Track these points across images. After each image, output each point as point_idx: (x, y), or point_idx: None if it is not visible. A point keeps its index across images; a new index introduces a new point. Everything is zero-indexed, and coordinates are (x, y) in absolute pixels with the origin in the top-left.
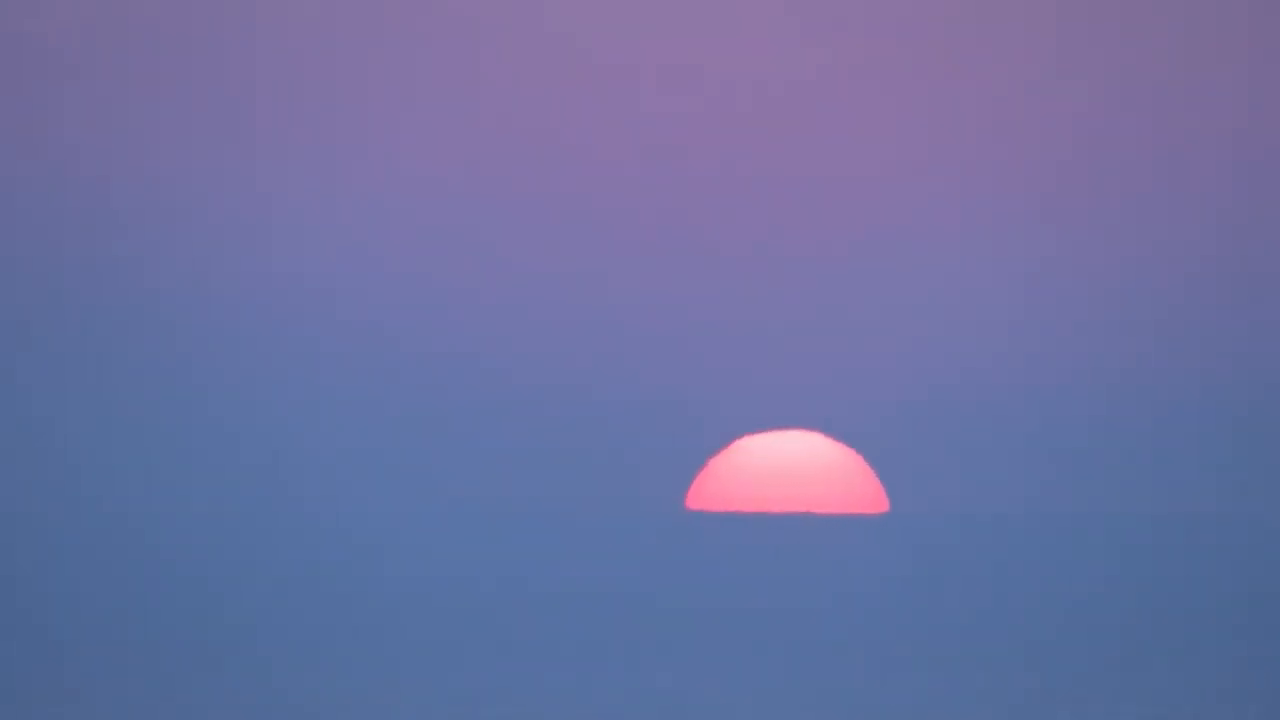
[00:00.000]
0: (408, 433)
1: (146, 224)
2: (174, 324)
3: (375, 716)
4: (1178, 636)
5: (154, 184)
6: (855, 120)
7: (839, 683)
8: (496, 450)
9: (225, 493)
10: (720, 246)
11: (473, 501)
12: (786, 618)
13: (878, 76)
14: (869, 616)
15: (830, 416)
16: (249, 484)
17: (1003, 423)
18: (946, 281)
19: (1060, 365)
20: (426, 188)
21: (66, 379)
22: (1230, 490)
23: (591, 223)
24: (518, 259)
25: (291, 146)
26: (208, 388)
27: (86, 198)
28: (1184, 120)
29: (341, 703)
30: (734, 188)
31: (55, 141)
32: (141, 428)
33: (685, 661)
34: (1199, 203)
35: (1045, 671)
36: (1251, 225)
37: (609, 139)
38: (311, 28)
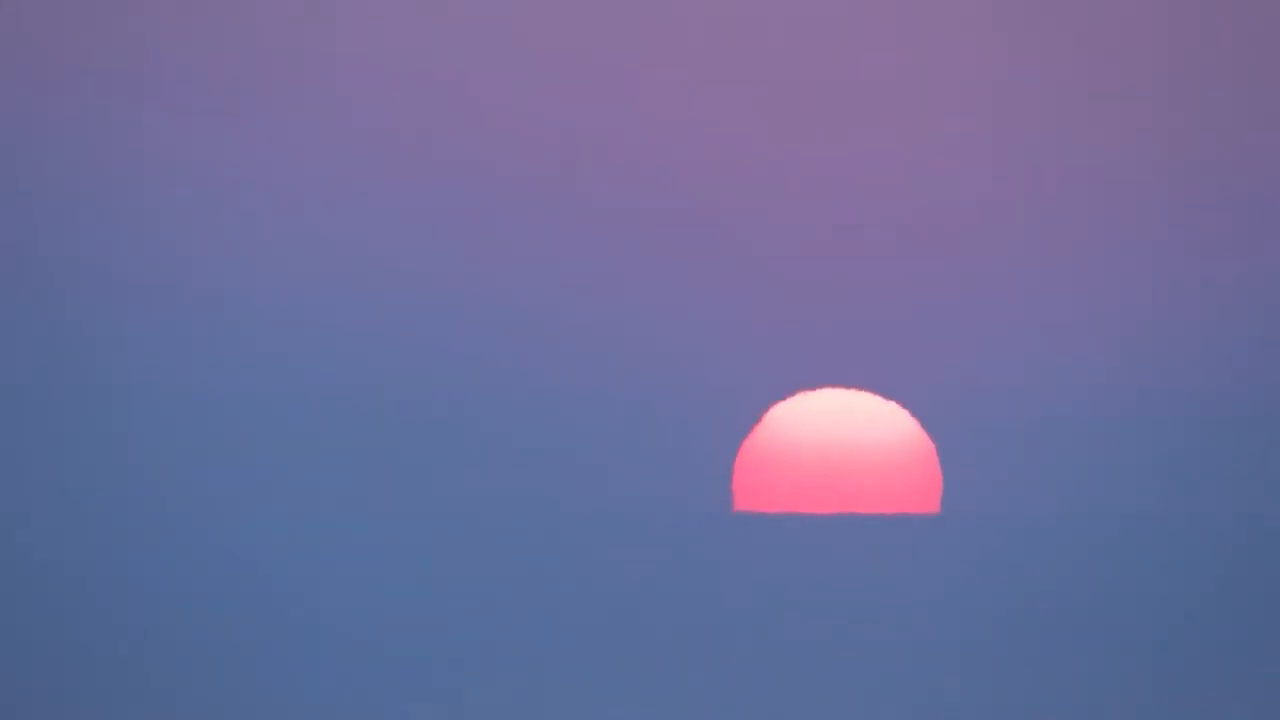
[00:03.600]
0: (416, 440)
1: (136, 221)
2: (162, 321)
3: None
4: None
5: (138, 180)
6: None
7: (890, 694)
8: (499, 455)
9: (236, 498)
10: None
11: (491, 510)
12: (848, 633)
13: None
14: (922, 631)
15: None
16: (269, 492)
17: (1088, 425)
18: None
19: (1171, 372)
20: (449, 176)
21: (26, 381)
22: None
23: (596, 207)
24: (523, 245)
25: (287, 144)
26: (212, 388)
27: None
28: None
29: (380, 712)
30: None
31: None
32: (131, 427)
33: (737, 679)
34: None
35: (1102, 683)
36: None
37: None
38: (297, 19)
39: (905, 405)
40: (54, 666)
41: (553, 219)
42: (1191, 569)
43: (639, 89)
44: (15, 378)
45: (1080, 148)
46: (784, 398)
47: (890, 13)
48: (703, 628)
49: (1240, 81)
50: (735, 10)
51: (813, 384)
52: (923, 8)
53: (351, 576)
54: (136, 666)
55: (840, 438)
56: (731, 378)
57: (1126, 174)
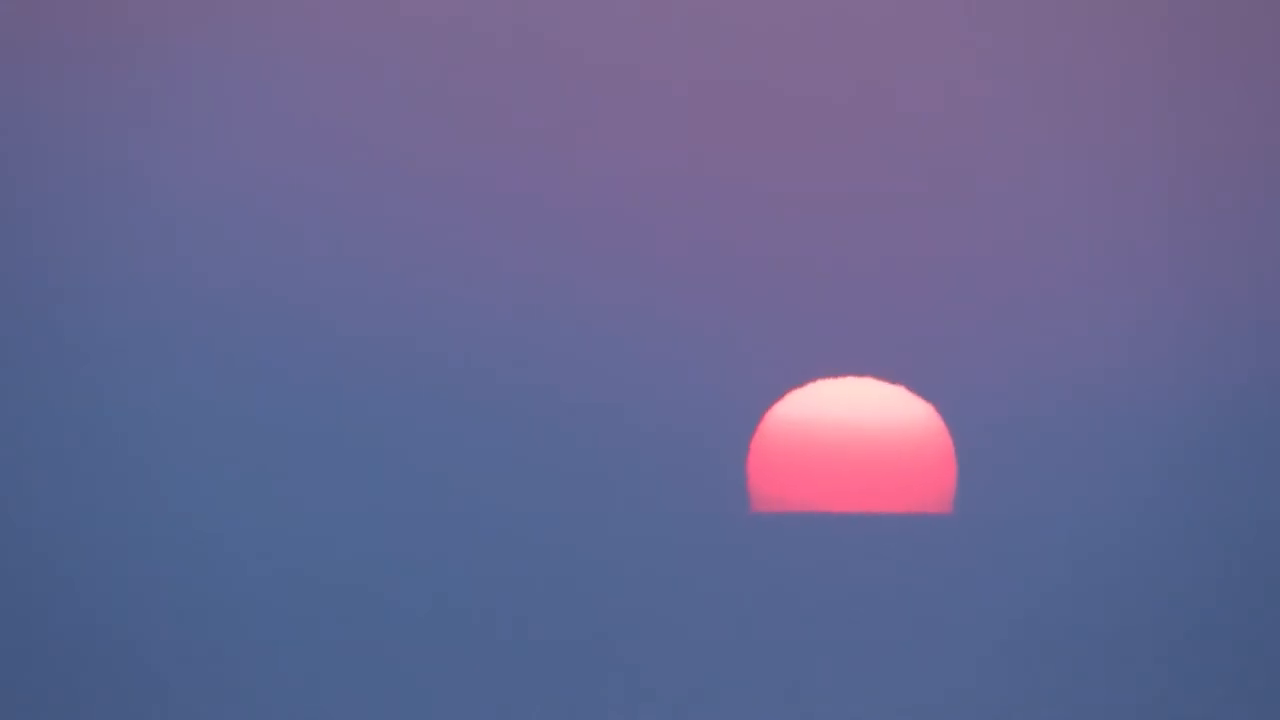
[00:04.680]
0: (430, 450)
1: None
2: (163, 323)
3: None
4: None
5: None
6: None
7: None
8: (505, 458)
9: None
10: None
11: (507, 519)
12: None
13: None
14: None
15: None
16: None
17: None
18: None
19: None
20: (457, 180)
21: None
22: None
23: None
24: (524, 248)
25: (287, 147)
26: (213, 389)
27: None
28: None
29: (394, 713)
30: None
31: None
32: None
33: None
34: None
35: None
36: None
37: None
38: (297, 21)
39: (929, 400)
40: (54, 665)
41: (561, 223)
42: (1212, 576)
43: (650, 83)
44: (14, 378)
45: (1123, 148)
46: (798, 385)
47: (914, 5)
48: (726, 629)
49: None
50: (744, 10)
51: (832, 372)
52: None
53: (369, 580)
54: (135, 666)
55: (857, 431)
56: (744, 370)
57: (1169, 176)
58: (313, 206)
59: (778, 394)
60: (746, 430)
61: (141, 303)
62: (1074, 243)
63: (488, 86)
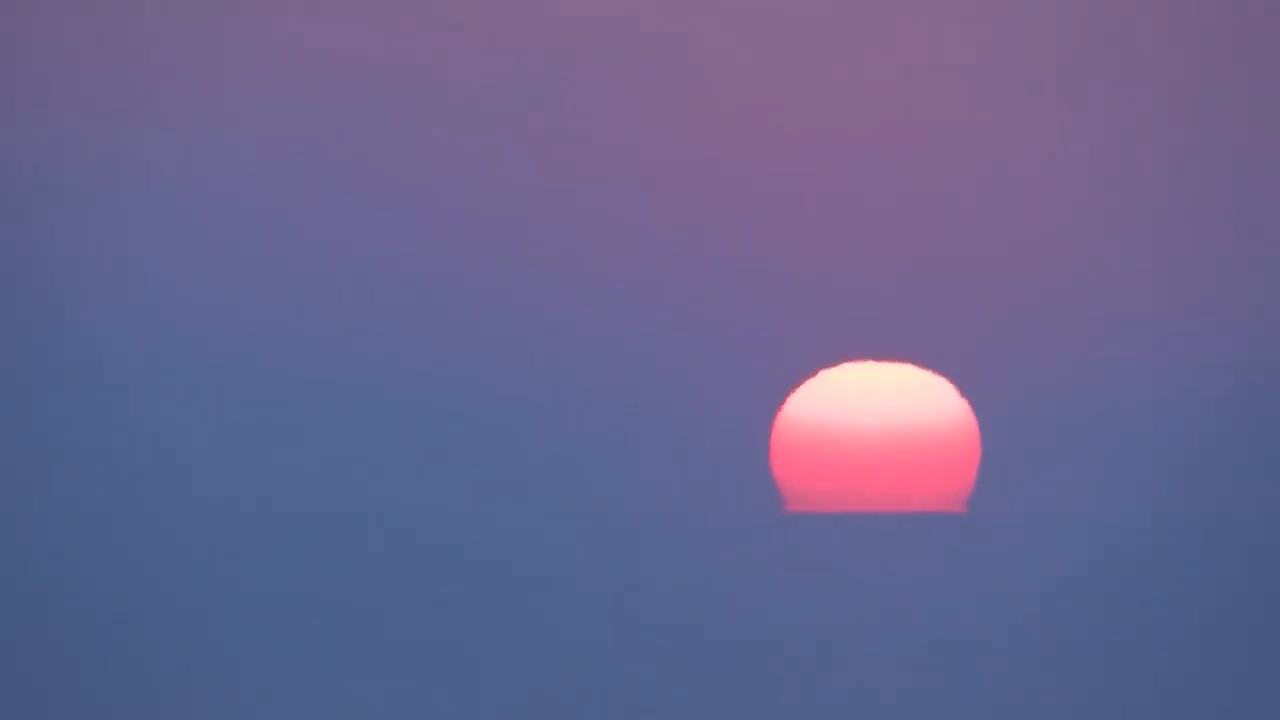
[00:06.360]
0: (443, 456)
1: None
2: (166, 321)
3: None
4: None
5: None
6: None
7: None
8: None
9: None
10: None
11: (521, 525)
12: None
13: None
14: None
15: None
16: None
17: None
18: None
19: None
20: (461, 171)
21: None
22: None
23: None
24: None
25: (290, 142)
26: (217, 386)
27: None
28: None
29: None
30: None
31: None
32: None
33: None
34: None
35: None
36: None
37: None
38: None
39: (961, 391)
40: (56, 664)
41: (573, 219)
42: (1240, 580)
43: (653, 68)
44: (15, 378)
45: (1171, 145)
46: (811, 374)
47: None
48: (756, 635)
49: None
50: None
51: (861, 356)
52: None
53: (387, 585)
54: (135, 665)
55: (887, 423)
56: (758, 360)
57: (1218, 175)
58: (309, 204)
59: (793, 383)
60: (766, 423)
61: (140, 303)
62: (1117, 238)
63: (490, 83)
